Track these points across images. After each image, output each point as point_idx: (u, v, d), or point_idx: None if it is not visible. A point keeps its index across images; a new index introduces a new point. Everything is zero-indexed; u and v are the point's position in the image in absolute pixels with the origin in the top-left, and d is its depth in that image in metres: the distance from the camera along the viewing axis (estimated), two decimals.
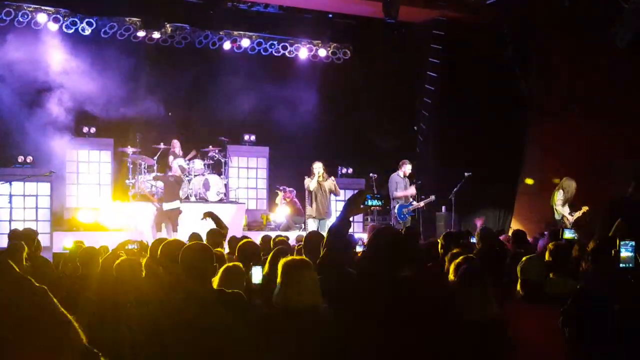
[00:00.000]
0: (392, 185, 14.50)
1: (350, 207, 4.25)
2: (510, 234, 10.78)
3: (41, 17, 15.53)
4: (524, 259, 5.18)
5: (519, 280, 5.02)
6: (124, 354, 4.89)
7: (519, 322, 4.74)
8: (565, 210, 13.07)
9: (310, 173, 13.68)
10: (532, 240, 10.46)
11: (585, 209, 13.08)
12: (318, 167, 13.61)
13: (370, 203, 4.25)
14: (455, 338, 4.06)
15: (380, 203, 4.34)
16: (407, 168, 14.55)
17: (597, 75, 15.87)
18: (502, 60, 16.26)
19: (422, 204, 14.90)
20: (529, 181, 11.96)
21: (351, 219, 4.40)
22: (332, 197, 14.45)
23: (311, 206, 13.64)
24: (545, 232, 10.45)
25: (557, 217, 13.20)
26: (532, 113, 17.14)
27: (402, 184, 14.38)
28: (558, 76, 16.57)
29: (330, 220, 13.74)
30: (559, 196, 13.14)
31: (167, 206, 14.19)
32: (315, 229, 12.64)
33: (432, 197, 15.01)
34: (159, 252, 5.34)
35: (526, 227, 14.83)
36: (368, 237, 8.79)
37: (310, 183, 13.60)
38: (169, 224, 14.29)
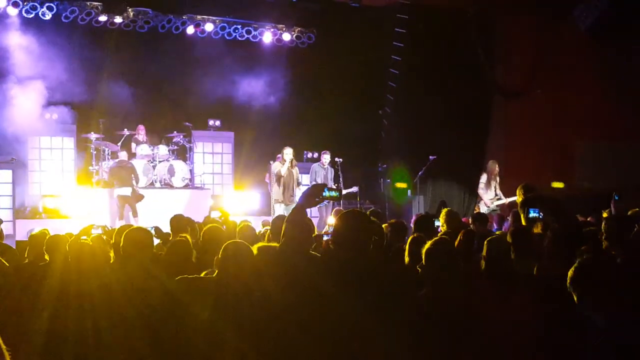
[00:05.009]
0: (311, 175, 14.54)
1: (307, 198, 4.36)
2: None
3: (0, 1, 15.22)
4: (489, 238, 5.23)
5: (485, 260, 5.06)
6: (88, 341, 4.85)
7: (484, 301, 4.78)
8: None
9: (276, 157, 13.57)
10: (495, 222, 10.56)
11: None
12: (289, 152, 13.51)
13: (327, 194, 4.36)
14: (422, 317, 4.09)
15: (337, 194, 4.49)
16: (324, 158, 14.62)
17: (561, 58, 16.04)
18: (466, 43, 16.32)
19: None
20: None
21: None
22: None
23: (278, 191, 13.51)
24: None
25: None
26: (497, 96, 17.26)
27: (321, 174, 14.37)
28: (522, 58, 16.70)
29: None
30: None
31: (117, 192, 14.07)
32: (282, 213, 12.55)
33: (354, 189, 15.09)
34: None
35: None
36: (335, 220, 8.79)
37: (282, 169, 13.44)
38: (129, 209, 14.18)
